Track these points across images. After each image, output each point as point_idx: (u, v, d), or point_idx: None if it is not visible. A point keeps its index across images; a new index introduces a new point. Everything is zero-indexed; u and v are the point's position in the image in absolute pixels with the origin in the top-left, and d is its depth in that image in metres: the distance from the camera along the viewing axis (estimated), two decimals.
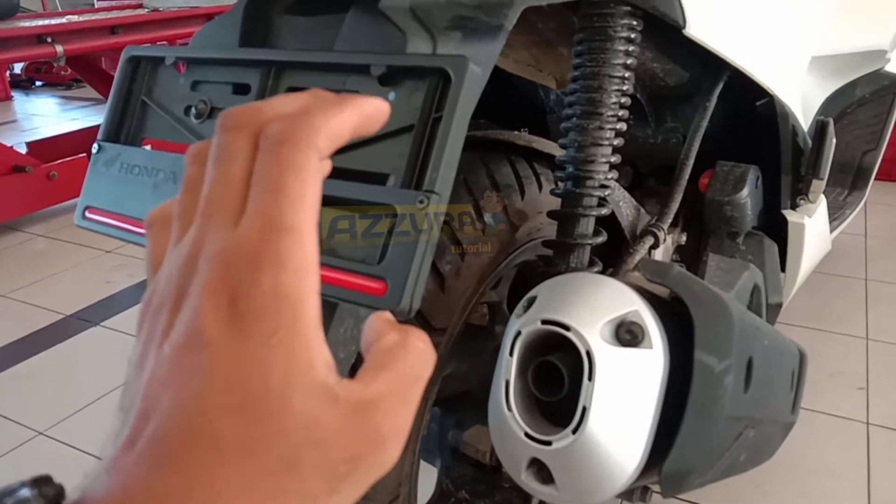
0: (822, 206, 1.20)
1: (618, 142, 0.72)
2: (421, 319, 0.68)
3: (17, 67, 5.48)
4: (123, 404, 0.24)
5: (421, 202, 0.43)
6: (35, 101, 5.30)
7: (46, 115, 4.86)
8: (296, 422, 0.22)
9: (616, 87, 0.70)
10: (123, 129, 0.58)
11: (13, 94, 5.28)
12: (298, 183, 0.23)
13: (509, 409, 0.51)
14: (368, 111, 0.27)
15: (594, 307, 0.50)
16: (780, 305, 1.06)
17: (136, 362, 0.24)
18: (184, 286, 0.23)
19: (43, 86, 5.58)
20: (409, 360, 0.25)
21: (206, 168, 0.25)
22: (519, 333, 0.52)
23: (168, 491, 0.21)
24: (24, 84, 5.54)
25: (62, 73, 5.25)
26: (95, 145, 0.57)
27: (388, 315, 0.27)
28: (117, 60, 0.58)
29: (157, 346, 0.23)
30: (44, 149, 2.78)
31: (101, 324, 1.94)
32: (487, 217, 0.75)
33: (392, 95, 0.47)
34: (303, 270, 0.23)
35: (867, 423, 1.48)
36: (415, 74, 0.46)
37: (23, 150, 2.75)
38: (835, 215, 1.49)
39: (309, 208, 0.24)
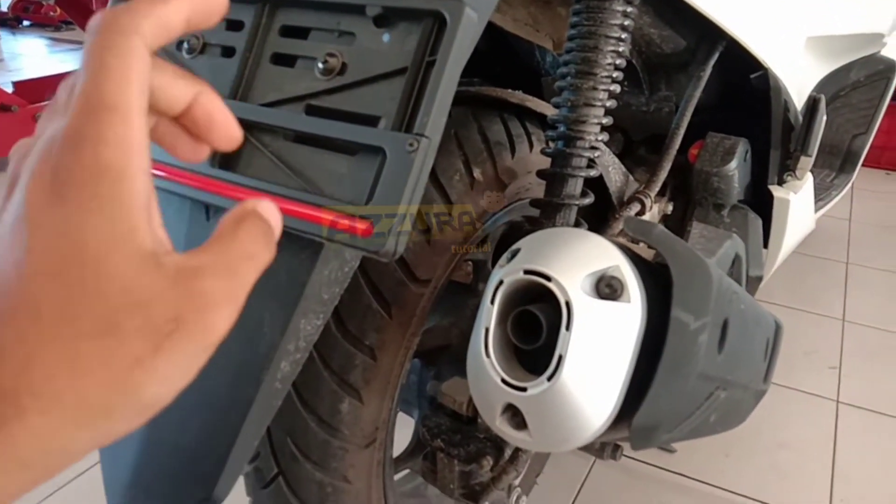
0: (808, 185, 1.21)
1: (610, 104, 0.72)
2: (405, 269, 0.69)
3: (4, 5, 5.35)
4: None
5: (411, 145, 0.43)
6: (22, 40, 5.19)
7: (33, 56, 4.76)
8: (115, 284, 0.23)
9: (612, 48, 0.70)
10: None
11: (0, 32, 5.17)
12: (121, 65, 0.24)
13: (487, 355, 0.52)
14: (200, 2, 0.27)
15: (576, 260, 0.51)
16: (760, 279, 1.07)
17: None
18: (18, 168, 0.24)
19: (30, 26, 5.46)
20: (239, 239, 0.26)
21: None
22: (501, 282, 0.53)
23: None
24: (10, 22, 5.41)
25: (51, 13, 5.13)
26: None
27: (249, 204, 0.28)
28: (107, 2, 0.57)
29: None
30: (30, 89, 2.73)
31: None
32: (476, 172, 0.75)
33: (386, 37, 0.46)
34: (126, 146, 0.23)
35: (837, 402, 1.51)
36: (410, 16, 0.45)
37: (9, 89, 2.70)
38: (820, 196, 1.51)
39: (134, 90, 0.24)
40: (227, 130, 0.29)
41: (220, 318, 0.24)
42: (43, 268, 0.22)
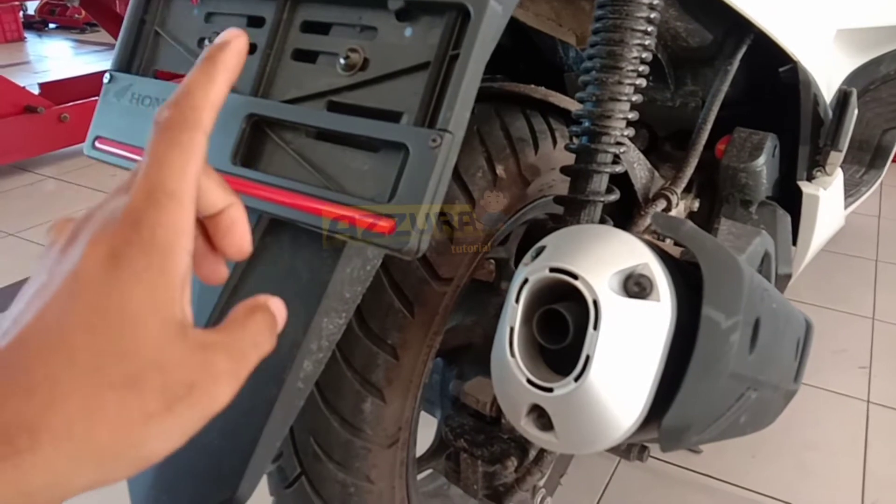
0: (838, 180, 1.18)
1: (636, 98, 0.70)
2: (428, 267, 0.68)
3: (31, 8, 5.43)
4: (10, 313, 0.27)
5: (434, 141, 0.42)
6: (48, 43, 5.26)
7: (59, 58, 4.83)
8: (146, 346, 0.25)
9: (638, 42, 0.68)
10: (136, 59, 0.57)
11: (26, 35, 5.25)
12: (181, 159, 0.28)
13: (512, 355, 0.51)
14: (234, 64, 0.31)
15: (604, 257, 0.50)
16: (789, 277, 1.05)
17: (29, 286, 0.28)
18: (78, 232, 0.27)
19: (56, 28, 5.54)
20: (250, 329, 0.30)
21: None
22: (526, 281, 0.52)
23: (11, 389, 0.24)
24: (37, 25, 5.50)
25: (76, 16, 5.20)
26: (107, 75, 0.56)
27: (262, 299, 0.31)
28: (128, 4, 0.57)
29: (43, 275, 0.27)
30: (56, 91, 2.77)
31: None
32: (499, 169, 0.74)
33: (409, 31, 0.46)
34: (178, 229, 0.27)
35: (868, 402, 1.48)
36: (433, 10, 0.44)
37: (35, 90, 2.74)
38: (850, 192, 1.47)
39: (190, 180, 0.28)
40: (241, 242, 0.33)
41: (225, 391, 0.27)
42: (86, 321, 0.25)
